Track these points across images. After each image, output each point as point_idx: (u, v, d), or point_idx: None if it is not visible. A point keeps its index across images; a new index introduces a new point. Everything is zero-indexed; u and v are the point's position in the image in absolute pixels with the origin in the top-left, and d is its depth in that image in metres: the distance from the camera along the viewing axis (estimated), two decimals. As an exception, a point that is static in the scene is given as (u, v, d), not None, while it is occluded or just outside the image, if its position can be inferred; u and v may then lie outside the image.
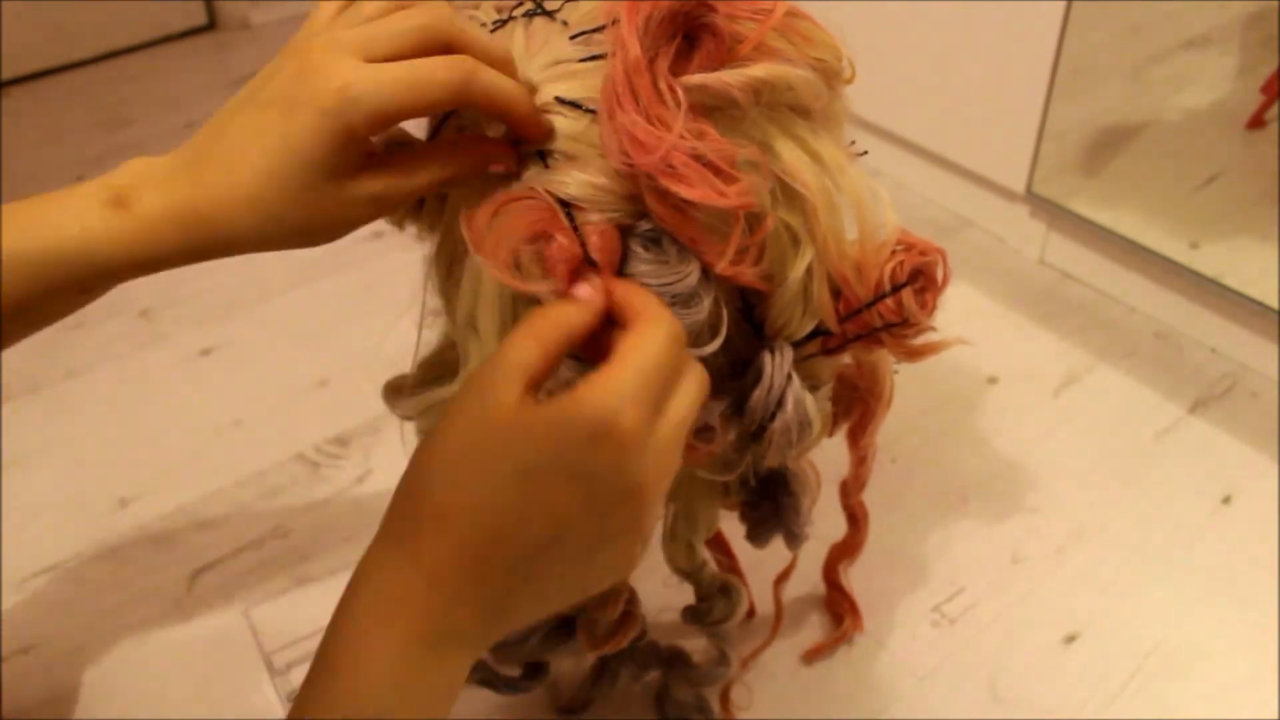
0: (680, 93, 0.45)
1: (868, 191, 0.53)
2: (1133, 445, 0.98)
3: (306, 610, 0.84)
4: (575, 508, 0.40)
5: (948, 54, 1.20)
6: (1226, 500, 0.93)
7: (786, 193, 0.50)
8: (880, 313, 0.54)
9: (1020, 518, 0.91)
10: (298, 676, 0.79)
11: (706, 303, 0.49)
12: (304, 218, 0.46)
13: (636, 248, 0.48)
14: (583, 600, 0.45)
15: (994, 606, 0.84)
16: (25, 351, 1.12)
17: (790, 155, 0.50)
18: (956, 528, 0.91)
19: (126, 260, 0.47)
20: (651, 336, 0.42)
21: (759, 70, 0.48)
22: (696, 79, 0.46)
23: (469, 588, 0.40)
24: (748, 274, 0.50)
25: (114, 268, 0.47)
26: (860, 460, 0.70)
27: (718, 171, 0.45)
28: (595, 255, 0.46)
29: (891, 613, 0.83)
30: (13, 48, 1.61)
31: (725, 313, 0.51)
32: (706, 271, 0.49)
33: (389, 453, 0.99)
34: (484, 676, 0.71)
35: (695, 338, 0.49)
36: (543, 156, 0.49)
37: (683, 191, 0.45)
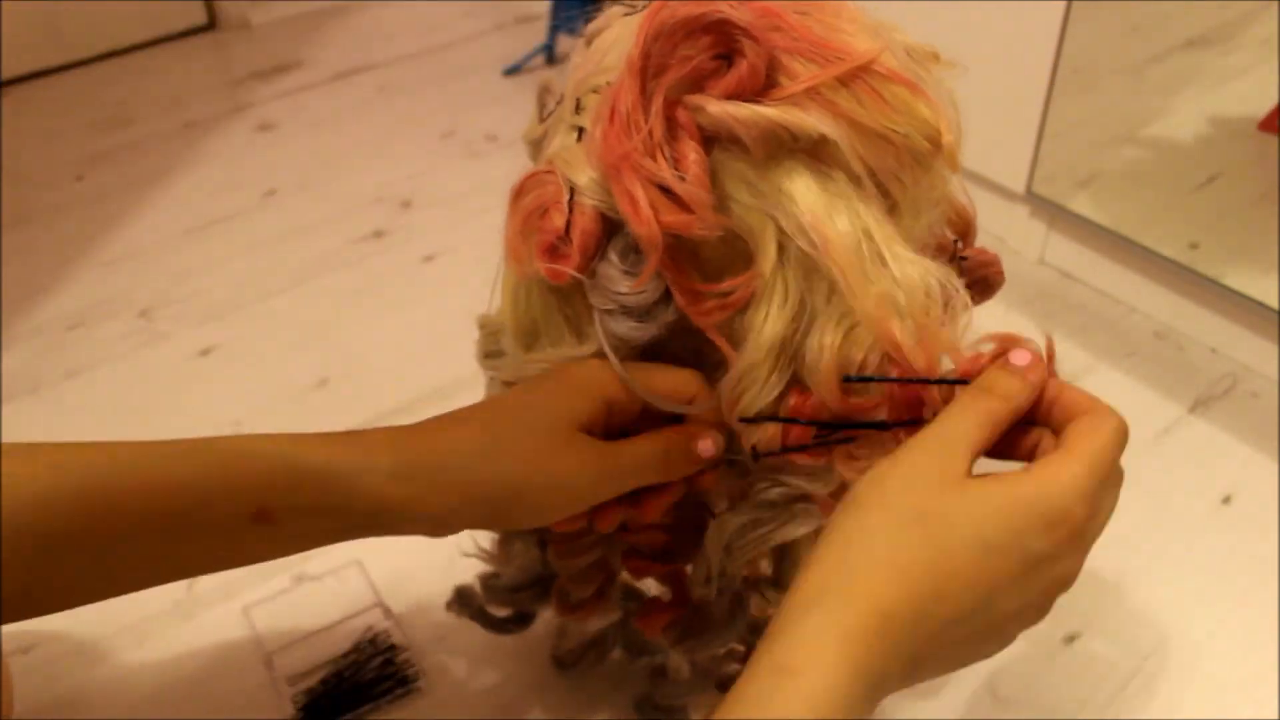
0: (660, 105, 0.44)
1: (923, 290, 0.46)
2: (1133, 445, 0.97)
3: (306, 610, 0.84)
4: (1010, 583, 0.42)
5: (947, 54, 1.20)
6: (1226, 500, 0.92)
7: (797, 253, 0.46)
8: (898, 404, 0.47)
9: (1020, 518, 0.91)
10: (297, 676, 0.79)
11: (653, 328, 0.48)
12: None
13: (613, 251, 0.48)
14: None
15: (994, 606, 0.84)
16: (25, 351, 1.12)
17: (812, 212, 0.45)
18: (956, 528, 0.90)
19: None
20: (1106, 432, 0.44)
21: (774, 112, 0.44)
22: (697, 99, 0.44)
23: (907, 639, 0.41)
24: (707, 320, 0.48)
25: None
26: None
27: (670, 196, 0.44)
28: (572, 232, 0.47)
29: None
30: (12, 48, 1.61)
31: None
32: (669, 296, 0.48)
33: (389, 453, 0.99)
34: (475, 613, 0.72)
35: (635, 352, 0.50)
36: (580, 133, 0.50)
37: (617, 197, 0.44)
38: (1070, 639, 0.82)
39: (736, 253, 0.47)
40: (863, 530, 0.43)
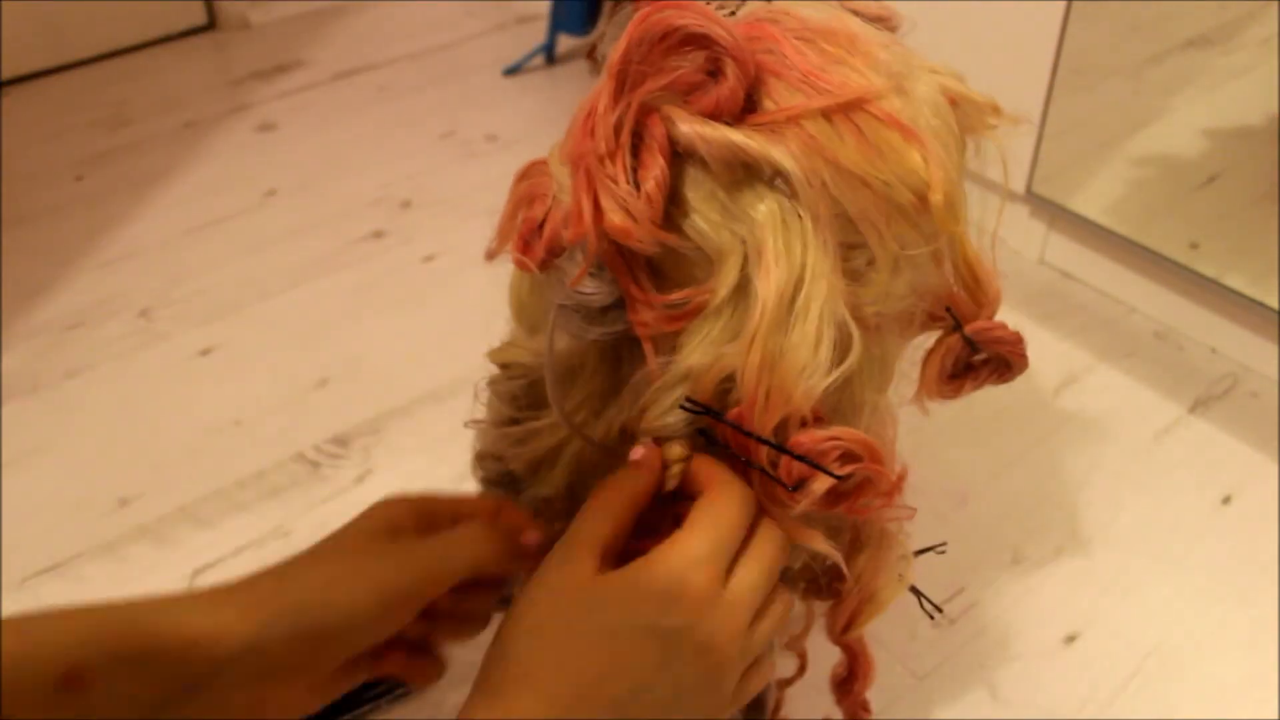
0: (634, 111, 0.42)
1: (806, 358, 0.43)
2: (1133, 445, 0.98)
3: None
4: (652, 666, 0.42)
5: (947, 54, 1.20)
6: (1226, 500, 0.93)
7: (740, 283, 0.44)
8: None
9: (1020, 518, 0.91)
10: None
11: (598, 331, 0.47)
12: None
13: (579, 250, 0.47)
14: None
15: (994, 606, 0.84)
16: (25, 351, 1.12)
17: (762, 242, 0.43)
18: (956, 528, 0.91)
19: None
20: (721, 502, 0.45)
21: (738, 137, 0.42)
22: (672, 112, 0.43)
23: None
24: (646, 330, 0.46)
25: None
26: (853, 657, 0.62)
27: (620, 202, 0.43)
28: (544, 226, 0.47)
29: (891, 613, 0.83)
30: (12, 48, 1.61)
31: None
32: (623, 304, 0.47)
33: (389, 453, 0.99)
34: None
35: (580, 356, 0.50)
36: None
37: (570, 192, 0.44)
38: (1070, 639, 0.82)
39: (695, 270, 0.46)
40: (499, 655, 0.44)
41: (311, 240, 1.29)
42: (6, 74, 1.63)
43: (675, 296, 0.45)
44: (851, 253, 0.45)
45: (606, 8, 1.78)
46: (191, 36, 1.78)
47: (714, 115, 0.43)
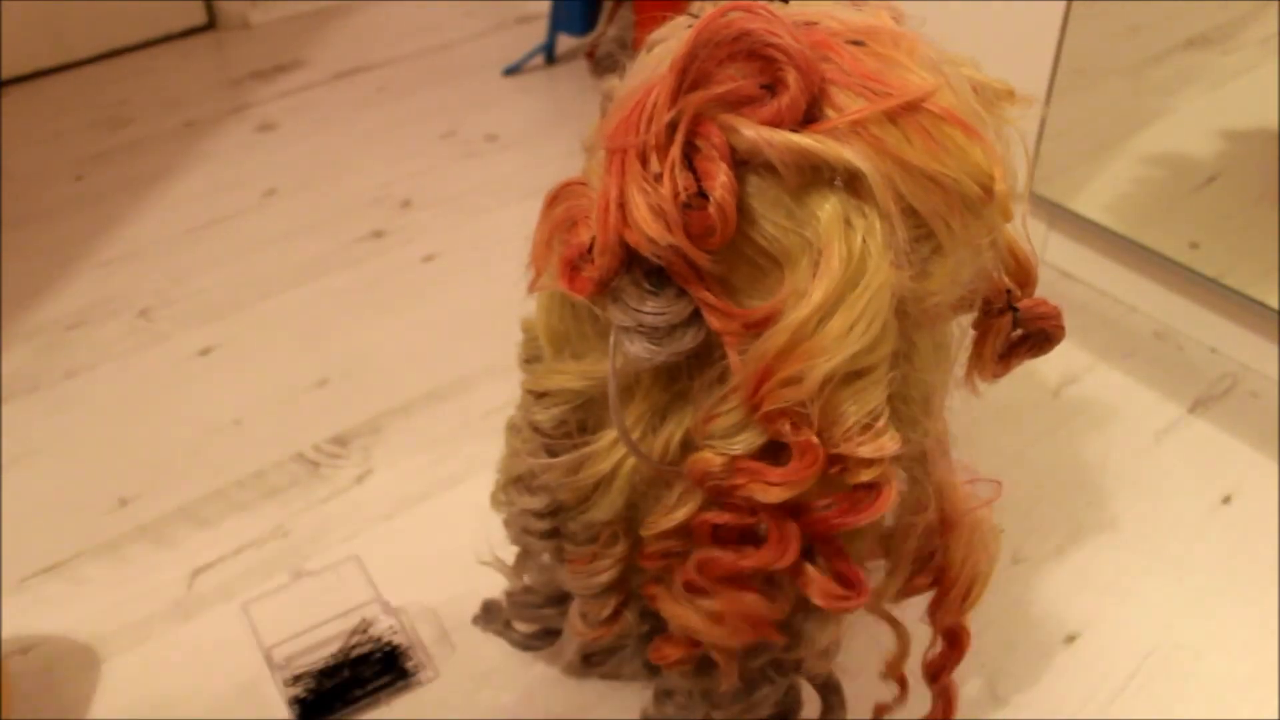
0: (690, 115, 0.42)
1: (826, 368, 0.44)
2: (1133, 445, 0.98)
3: (305, 605, 0.84)
4: None
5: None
6: (1226, 500, 0.92)
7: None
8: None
9: (1020, 518, 0.91)
10: (295, 670, 0.79)
11: (666, 353, 0.46)
12: None
13: (638, 269, 0.46)
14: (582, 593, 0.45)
15: (994, 606, 0.84)
16: (25, 351, 1.12)
17: (833, 247, 0.44)
18: (956, 528, 0.91)
19: None
20: None
21: (808, 140, 0.42)
22: (731, 120, 0.43)
23: None
24: (731, 339, 0.46)
25: None
26: (949, 638, 0.63)
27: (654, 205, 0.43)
28: (594, 250, 0.46)
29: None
30: (12, 48, 1.61)
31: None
32: (693, 321, 0.46)
33: (389, 453, 0.99)
34: (500, 628, 0.73)
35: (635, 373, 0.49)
36: None
37: (602, 184, 0.43)
38: (1070, 639, 0.82)
39: (765, 277, 0.46)
40: None
41: (311, 240, 1.29)
42: (6, 74, 1.63)
43: (759, 312, 0.45)
44: (917, 245, 0.46)
45: (606, 8, 1.78)
46: (191, 36, 1.78)
47: (774, 125, 0.43)
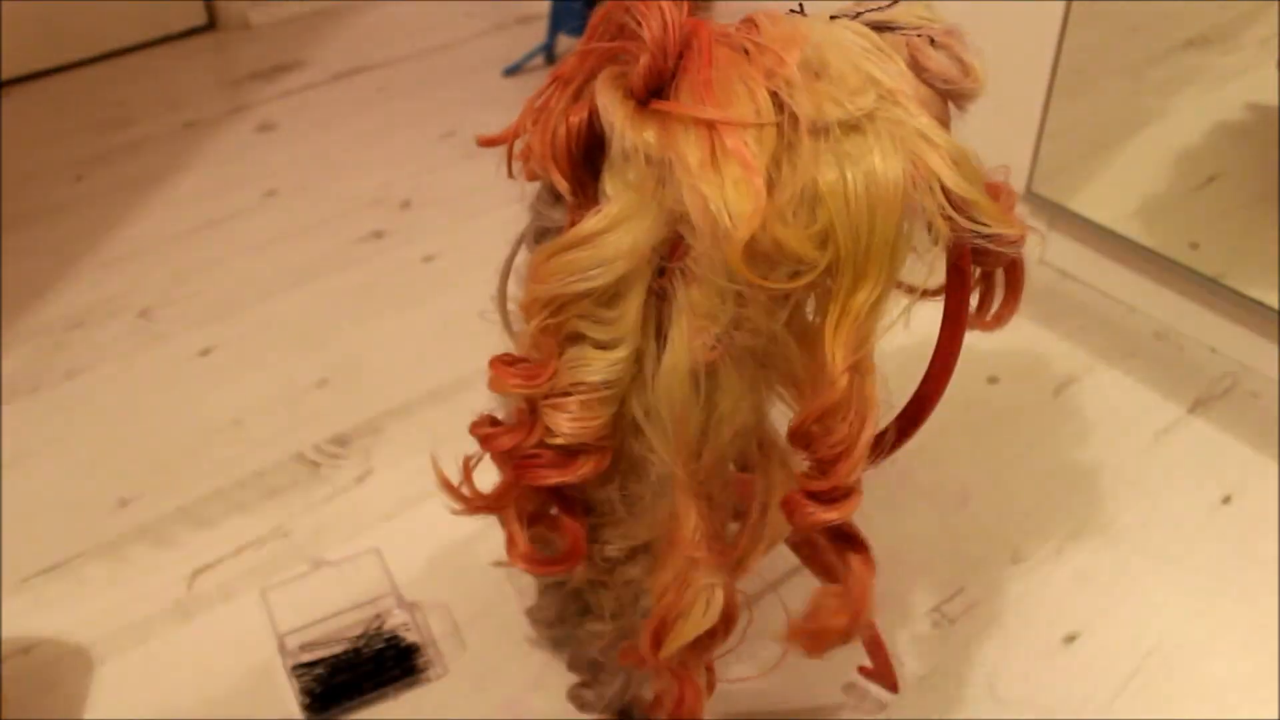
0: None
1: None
2: (1133, 445, 0.98)
3: (322, 596, 0.84)
4: None
5: (948, 54, 1.20)
6: (1226, 500, 0.92)
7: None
8: None
9: (1020, 518, 0.91)
10: (306, 660, 0.79)
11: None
12: None
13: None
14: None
15: (994, 606, 0.84)
16: (25, 351, 1.12)
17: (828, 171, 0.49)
18: (956, 528, 0.91)
19: None
20: None
21: (621, 113, 0.49)
22: (603, 79, 0.51)
23: None
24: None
25: None
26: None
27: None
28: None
29: (892, 613, 0.83)
30: (12, 48, 1.61)
31: None
32: None
33: (389, 453, 0.99)
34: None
35: None
36: None
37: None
38: (1070, 639, 0.82)
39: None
40: None
41: (311, 240, 1.29)
42: (6, 74, 1.63)
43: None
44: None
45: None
46: (191, 36, 1.78)
47: (628, 90, 0.49)
